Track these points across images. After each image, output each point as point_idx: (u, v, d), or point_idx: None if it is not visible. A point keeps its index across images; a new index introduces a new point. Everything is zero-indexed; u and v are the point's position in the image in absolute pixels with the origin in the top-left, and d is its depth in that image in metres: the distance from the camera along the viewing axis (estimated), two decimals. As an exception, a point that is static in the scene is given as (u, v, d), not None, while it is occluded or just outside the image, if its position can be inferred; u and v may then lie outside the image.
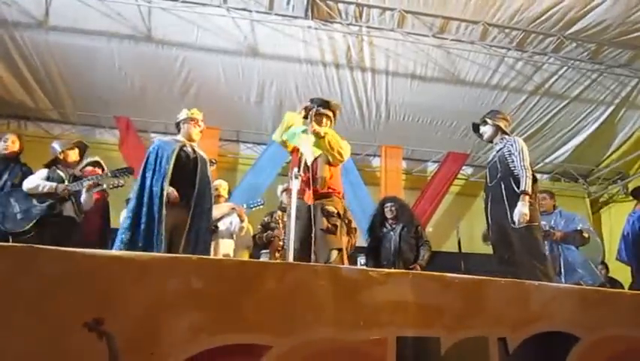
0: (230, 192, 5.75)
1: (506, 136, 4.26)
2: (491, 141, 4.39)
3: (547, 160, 9.26)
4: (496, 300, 2.31)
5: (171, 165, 3.88)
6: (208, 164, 4.20)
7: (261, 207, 5.46)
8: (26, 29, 6.76)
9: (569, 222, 5.39)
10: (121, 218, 5.09)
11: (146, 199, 3.82)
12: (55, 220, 4.39)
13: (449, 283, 2.27)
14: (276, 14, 6.69)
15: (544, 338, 2.30)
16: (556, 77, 7.66)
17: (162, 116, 7.43)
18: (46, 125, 8.05)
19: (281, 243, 5.15)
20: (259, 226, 5.46)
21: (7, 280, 1.81)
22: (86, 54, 7.00)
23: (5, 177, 4.58)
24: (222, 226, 5.13)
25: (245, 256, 5.50)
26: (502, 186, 4.00)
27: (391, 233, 5.34)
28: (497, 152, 4.21)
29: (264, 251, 5.34)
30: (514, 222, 3.82)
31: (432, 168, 9.16)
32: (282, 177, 7.38)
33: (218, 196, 5.34)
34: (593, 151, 9.08)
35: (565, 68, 7.51)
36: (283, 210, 5.48)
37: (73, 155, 4.77)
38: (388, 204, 5.51)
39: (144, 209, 3.78)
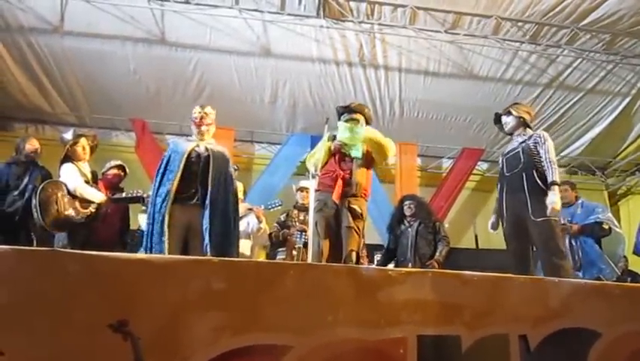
0: (245, 193, 5.77)
1: (529, 130, 4.12)
2: (511, 134, 4.24)
3: (563, 153, 9.17)
4: (515, 297, 2.31)
5: (181, 167, 3.76)
6: (228, 161, 4.02)
7: (279, 207, 5.48)
8: (42, 35, 6.88)
9: (589, 213, 5.30)
10: (139, 220, 5.16)
11: (152, 200, 3.79)
12: (86, 223, 4.46)
13: (468, 281, 2.27)
14: (288, 14, 6.72)
15: (566, 334, 2.30)
16: (570, 69, 7.59)
17: (177, 118, 7.50)
18: (63, 128, 8.12)
19: (295, 239, 5.19)
20: (275, 225, 5.49)
21: (32, 283, 1.85)
22: (101, 58, 7.10)
23: (26, 180, 4.67)
24: (239, 226, 5.15)
25: (261, 256, 5.53)
26: (524, 176, 3.88)
27: (409, 230, 5.33)
28: (520, 143, 4.05)
29: (281, 249, 5.36)
30: (534, 215, 3.73)
31: (447, 164, 9.12)
32: (297, 176, 7.40)
33: (236, 198, 5.38)
34: (610, 143, 8.98)
35: (579, 59, 7.43)
36: (299, 208, 5.51)
37: (82, 152, 4.67)
38: (407, 202, 5.50)
39: (151, 210, 3.76)
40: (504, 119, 4.23)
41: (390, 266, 5.33)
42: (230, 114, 7.93)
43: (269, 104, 7.94)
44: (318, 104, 7.88)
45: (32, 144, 4.89)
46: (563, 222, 5.28)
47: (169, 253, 3.52)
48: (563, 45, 7.16)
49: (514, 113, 4.16)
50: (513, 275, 2.45)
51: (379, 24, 6.91)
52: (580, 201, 5.46)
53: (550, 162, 3.82)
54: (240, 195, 5.46)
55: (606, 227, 5.23)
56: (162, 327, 1.90)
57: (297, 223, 5.35)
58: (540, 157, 3.88)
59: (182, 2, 6.53)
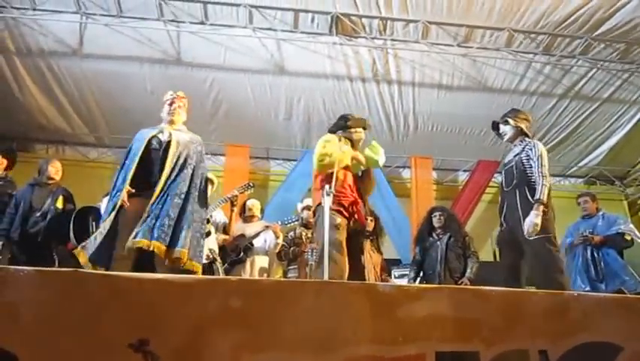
0: (262, 210, 5.78)
1: (527, 138, 4.00)
2: (511, 142, 4.14)
3: (580, 164, 9.10)
4: (535, 312, 2.29)
5: (139, 155, 3.51)
6: (196, 147, 3.76)
7: (296, 223, 5.49)
8: (62, 58, 7.05)
9: (611, 225, 5.26)
10: None
11: (111, 195, 3.51)
12: None
13: (487, 297, 2.26)
14: (301, 32, 6.81)
15: (587, 348, 2.27)
16: (585, 79, 7.54)
17: (193, 137, 7.58)
18: (82, 149, 8.32)
19: (306, 257, 5.17)
20: (283, 243, 5.45)
21: (55, 303, 1.89)
22: (119, 79, 7.23)
23: (48, 201, 4.81)
24: (257, 243, 5.19)
25: (279, 272, 5.54)
26: (517, 193, 3.81)
27: (438, 243, 5.22)
28: (515, 156, 3.97)
29: (292, 267, 5.35)
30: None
31: (463, 177, 9.08)
32: (312, 192, 7.41)
33: (252, 216, 5.41)
34: (629, 152, 8.87)
35: (594, 69, 7.38)
36: (305, 226, 5.48)
37: None
38: (437, 213, 5.39)
39: (109, 205, 3.47)
40: (502, 127, 4.12)
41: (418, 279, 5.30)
42: (245, 131, 8.06)
43: (284, 120, 8.01)
44: (333, 119, 7.79)
45: (55, 166, 5.03)
46: (584, 233, 5.25)
47: (119, 246, 3.32)
48: (577, 55, 7.13)
49: (511, 122, 4.03)
50: (532, 290, 2.43)
51: (392, 39, 6.95)
52: (601, 213, 5.43)
53: (541, 175, 3.72)
54: (258, 213, 5.51)
55: (628, 238, 5.17)
56: (182, 346, 1.92)
57: (307, 241, 5.33)
58: (532, 170, 3.79)
59: (198, 23, 6.66)
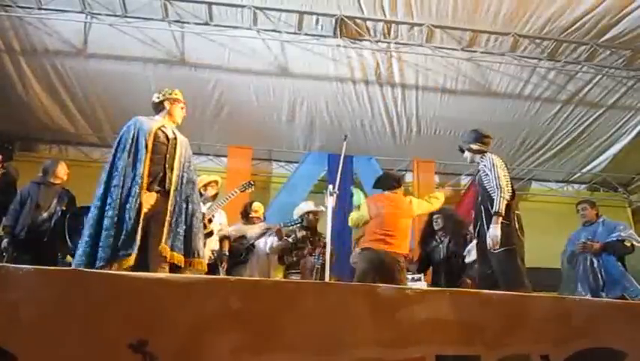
0: (264, 214, 5.77)
1: (485, 155, 4.12)
2: (473, 163, 4.33)
3: (584, 170, 9.07)
4: (536, 316, 2.27)
5: (149, 146, 3.41)
6: (189, 148, 3.72)
7: (298, 225, 5.47)
8: (66, 57, 7.05)
9: (611, 231, 5.23)
10: None
11: (116, 182, 3.29)
12: None
13: (488, 300, 2.25)
14: (305, 34, 6.79)
15: (589, 354, 2.25)
16: (590, 85, 7.50)
17: (196, 138, 7.57)
18: (86, 149, 8.32)
19: (313, 261, 5.15)
20: (284, 246, 5.42)
21: (55, 303, 1.88)
22: (123, 79, 7.23)
23: (54, 202, 4.85)
24: (258, 245, 5.18)
25: (279, 274, 5.52)
26: (482, 208, 3.92)
27: (440, 246, 5.23)
28: (477, 173, 4.16)
29: (294, 270, 5.32)
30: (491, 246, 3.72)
31: (465, 181, 9.05)
32: (314, 194, 7.43)
33: (257, 217, 5.40)
34: (633, 159, 8.82)
35: (599, 76, 7.35)
36: (307, 229, 5.48)
37: None
38: (434, 216, 5.40)
39: (115, 192, 3.25)
40: (465, 154, 4.32)
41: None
42: (248, 133, 8.06)
43: (286, 122, 8.00)
44: (336, 122, 7.92)
45: (62, 168, 5.03)
46: (584, 240, 5.23)
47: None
48: (582, 61, 7.10)
49: (464, 148, 4.27)
50: (533, 294, 2.41)
51: (396, 43, 6.92)
52: (601, 220, 5.40)
53: (497, 187, 3.79)
54: (261, 215, 5.51)
55: (628, 244, 5.14)
56: (182, 347, 1.91)
57: (309, 245, 5.32)
58: (490, 185, 3.88)
59: (202, 24, 6.65)
